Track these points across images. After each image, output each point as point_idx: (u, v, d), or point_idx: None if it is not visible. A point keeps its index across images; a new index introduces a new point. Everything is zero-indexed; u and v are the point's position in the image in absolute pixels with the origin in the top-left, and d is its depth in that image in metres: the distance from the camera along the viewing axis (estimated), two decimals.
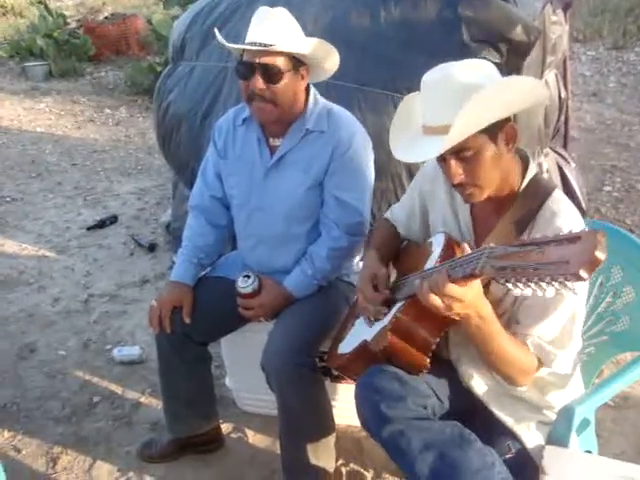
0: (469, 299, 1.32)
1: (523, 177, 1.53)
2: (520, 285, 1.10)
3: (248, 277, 2.04)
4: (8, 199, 4.86)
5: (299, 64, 1.92)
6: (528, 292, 1.10)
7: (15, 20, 12.19)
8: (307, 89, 2.03)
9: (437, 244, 1.59)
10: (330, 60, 1.99)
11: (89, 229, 4.28)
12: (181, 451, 2.29)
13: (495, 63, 2.45)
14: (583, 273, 0.99)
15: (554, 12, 3.09)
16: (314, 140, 2.00)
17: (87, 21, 9.69)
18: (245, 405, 2.52)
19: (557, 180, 3.55)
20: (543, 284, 1.06)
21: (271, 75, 1.86)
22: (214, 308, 2.10)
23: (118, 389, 2.69)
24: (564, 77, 3.73)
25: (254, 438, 2.41)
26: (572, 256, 1.02)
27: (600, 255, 0.99)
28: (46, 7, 9.04)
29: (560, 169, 3.64)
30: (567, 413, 1.52)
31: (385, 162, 2.63)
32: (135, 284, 3.55)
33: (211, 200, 2.19)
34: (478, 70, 1.41)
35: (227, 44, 1.91)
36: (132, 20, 9.59)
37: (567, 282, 1.02)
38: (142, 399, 2.62)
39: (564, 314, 1.46)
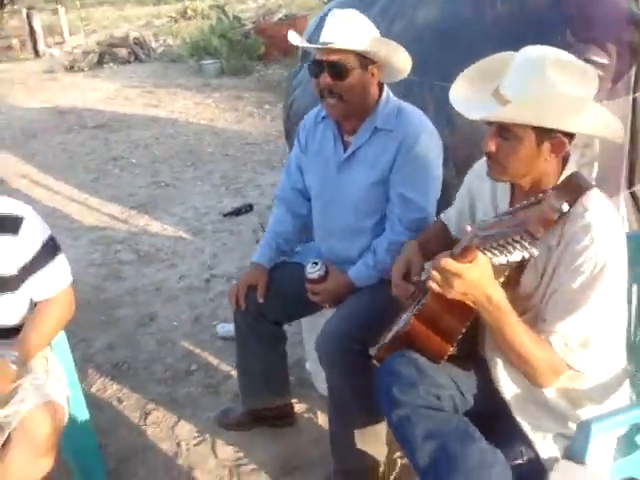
0: (470, 277, 1.31)
1: (561, 174, 1.52)
2: (496, 252, 1.15)
3: (316, 264, 2.16)
4: (163, 184, 5.37)
5: (367, 62, 1.99)
6: (502, 259, 1.15)
7: (201, 22, 13.27)
8: (381, 88, 2.10)
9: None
10: (398, 58, 2.03)
11: (225, 215, 4.63)
12: (254, 422, 2.46)
13: (602, 65, 2.37)
14: (534, 230, 1.03)
15: None
16: (382, 138, 2.07)
17: (260, 22, 10.31)
18: (322, 389, 2.63)
19: None
20: (510, 247, 1.11)
21: (338, 72, 1.95)
22: (286, 290, 2.25)
23: (214, 361, 2.94)
24: None
25: (324, 421, 2.51)
26: (532, 216, 1.07)
27: (552, 214, 1.02)
28: (223, 11, 9.76)
29: None
30: (584, 428, 1.45)
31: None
32: None
33: (292, 191, 2.34)
34: (576, 76, 1.41)
35: (299, 44, 2.04)
36: (301, 21, 10.03)
37: (523, 241, 1.06)
38: (232, 372, 2.83)
39: (593, 311, 1.41)
